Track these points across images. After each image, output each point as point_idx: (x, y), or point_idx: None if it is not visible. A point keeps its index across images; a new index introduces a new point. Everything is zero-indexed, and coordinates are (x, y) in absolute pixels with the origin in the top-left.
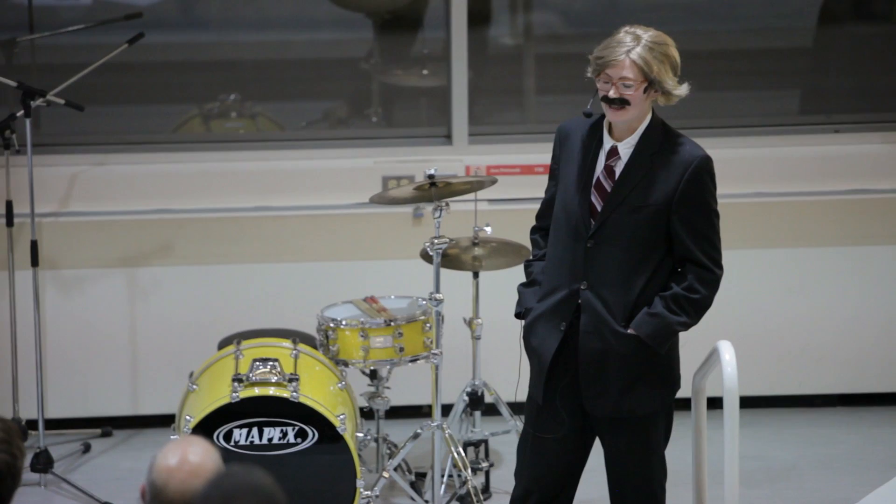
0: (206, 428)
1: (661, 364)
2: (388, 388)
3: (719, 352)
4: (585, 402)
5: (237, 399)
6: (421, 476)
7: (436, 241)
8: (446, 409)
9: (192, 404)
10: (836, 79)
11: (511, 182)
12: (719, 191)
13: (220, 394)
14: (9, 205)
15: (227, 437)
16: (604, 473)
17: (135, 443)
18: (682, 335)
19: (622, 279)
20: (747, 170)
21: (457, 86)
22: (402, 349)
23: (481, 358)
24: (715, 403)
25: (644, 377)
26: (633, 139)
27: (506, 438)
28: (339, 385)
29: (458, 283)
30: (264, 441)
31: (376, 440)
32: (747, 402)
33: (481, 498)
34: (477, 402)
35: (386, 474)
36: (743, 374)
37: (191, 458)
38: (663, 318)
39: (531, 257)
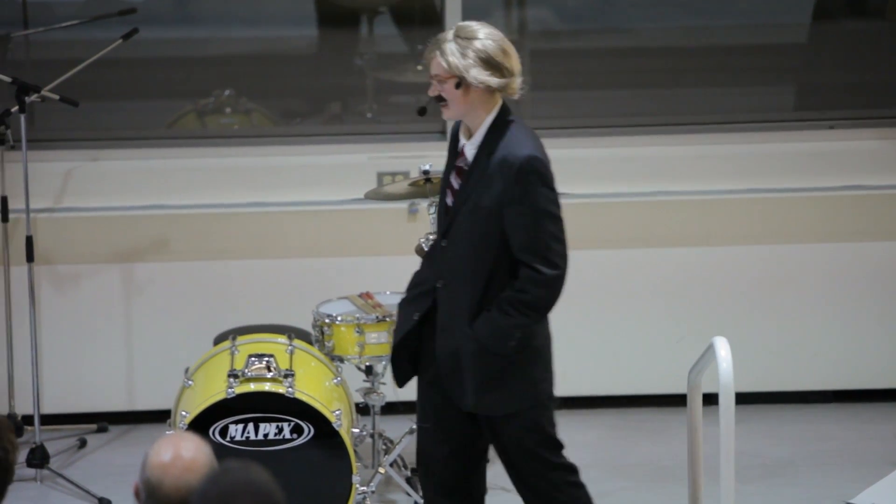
0: (201, 423)
1: (515, 364)
2: (383, 383)
3: (715, 348)
4: (452, 397)
5: (233, 395)
6: (417, 472)
7: (431, 236)
8: None
9: (188, 400)
10: (830, 75)
11: None
12: (715, 186)
13: (215, 389)
14: (4, 200)
15: (223, 432)
16: (594, 472)
17: (130, 438)
18: (678, 330)
19: (469, 278)
20: (742, 166)
21: None
22: None
23: None
24: (710, 400)
25: (497, 377)
26: (476, 139)
27: None
28: (335, 381)
29: None
30: (260, 437)
31: (372, 436)
32: (742, 399)
33: None
34: None
35: (382, 470)
36: (738, 370)
37: (184, 453)
38: (495, 321)
39: None
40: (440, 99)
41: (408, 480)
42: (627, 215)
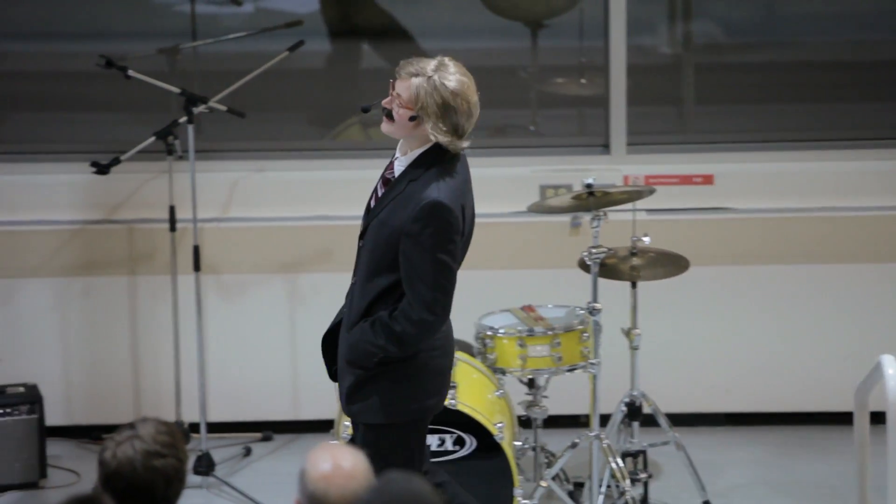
0: None
1: (380, 380)
2: (545, 397)
3: (882, 366)
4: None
5: None
6: (579, 486)
7: (594, 250)
8: (604, 420)
9: None
10: None
11: (669, 192)
12: (886, 202)
13: None
14: (171, 210)
15: None
16: (758, 490)
17: (295, 447)
18: (844, 347)
19: (365, 284)
20: None
21: (615, 95)
22: (560, 358)
23: (639, 368)
24: (877, 418)
25: (366, 385)
26: (407, 160)
27: (664, 450)
28: (497, 393)
29: (616, 292)
30: None
31: (534, 449)
32: None
33: None
34: (635, 413)
35: (544, 483)
36: None
37: (342, 462)
38: (364, 333)
39: None
40: (389, 114)
41: (570, 494)
42: (795, 230)
